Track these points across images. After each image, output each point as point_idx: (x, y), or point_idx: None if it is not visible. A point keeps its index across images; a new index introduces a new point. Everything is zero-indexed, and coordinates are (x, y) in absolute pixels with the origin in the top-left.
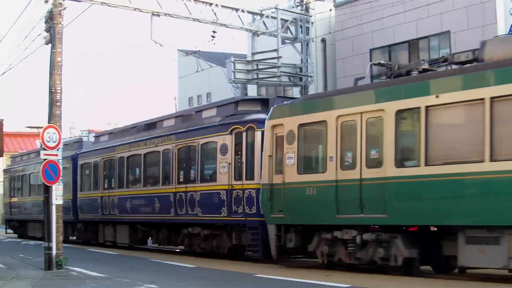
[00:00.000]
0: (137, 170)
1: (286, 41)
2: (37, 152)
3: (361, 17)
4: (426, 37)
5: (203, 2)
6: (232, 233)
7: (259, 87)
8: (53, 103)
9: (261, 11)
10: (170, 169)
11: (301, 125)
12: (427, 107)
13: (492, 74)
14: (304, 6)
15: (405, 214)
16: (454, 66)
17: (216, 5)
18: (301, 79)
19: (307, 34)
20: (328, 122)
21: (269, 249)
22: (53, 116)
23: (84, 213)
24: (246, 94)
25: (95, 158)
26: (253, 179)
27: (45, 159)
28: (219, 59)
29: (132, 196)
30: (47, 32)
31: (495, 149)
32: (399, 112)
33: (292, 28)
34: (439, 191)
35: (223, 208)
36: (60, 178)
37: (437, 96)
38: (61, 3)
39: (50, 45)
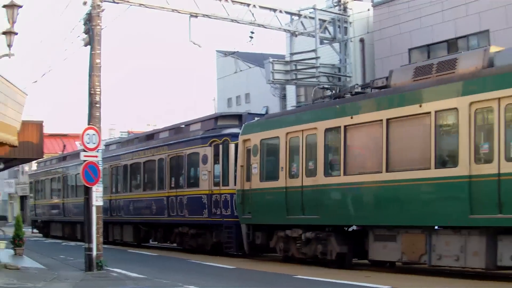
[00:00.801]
0: (138, 176)
1: (325, 41)
2: (59, 159)
3: (399, 17)
4: (465, 36)
5: (241, 3)
6: (213, 232)
7: (298, 87)
8: (93, 104)
9: (299, 11)
10: (164, 176)
11: (262, 140)
12: (345, 126)
13: (386, 100)
14: (342, 6)
15: (330, 215)
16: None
17: (254, 5)
18: (339, 79)
19: (345, 34)
20: (280, 138)
21: (242, 245)
22: (93, 118)
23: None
24: (284, 94)
25: (104, 165)
26: (228, 185)
27: (85, 161)
28: (257, 60)
29: (135, 199)
30: (86, 34)
31: (390, 162)
32: (327, 130)
33: (330, 28)
34: (352, 196)
35: (204, 210)
36: (100, 179)
37: (351, 117)
38: (99, 5)
39: (89, 47)
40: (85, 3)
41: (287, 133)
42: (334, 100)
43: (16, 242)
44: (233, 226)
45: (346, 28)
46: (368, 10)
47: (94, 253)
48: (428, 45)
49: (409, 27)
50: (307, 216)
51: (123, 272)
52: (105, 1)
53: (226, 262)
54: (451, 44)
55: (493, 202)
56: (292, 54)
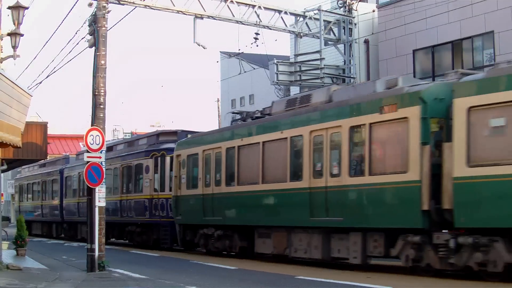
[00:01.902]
0: None
1: (329, 42)
2: (40, 165)
3: (404, 18)
4: (469, 37)
5: (246, 4)
6: (153, 230)
7: (302, 88)
8: (97, 105)
9: (304, 12)
10: (118, 182)
11: (188, 155)
12: (238, 146)
13: (262, 127)
14: (347, 7)
15: (229, 218)
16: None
17: (259, 7)
18: (344, 81)
19: (350, 35)
20: (199, 154)
21: (176, 241)
22: (97, 119)
23: (68, 215)
24: (288, 95)
25: (75, 172)
26: (165, 191)
27: (88, 162)
28: (262, 61)
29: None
30: (91, 35)
31: (264, 176)
32: (227, 149)
33: (335, 30)
34: (242, 202)
35: (146, 212)
36: (104, 180)
37: (242, 139)
38: (105, 6)
39: (94, 48)
40: (90, 5)
41: (203, 150)
42: (237, 124)
43: (19, 242)
44: (168, 225)
45: (350, 29)
46: (373, 11)
47: (96, 253)
48: (433, 46)
49: (414, 28)
50: (216, 217)
51: (125, 272)
52: (110, 2)
53: (228, 263)
54: (456, 45)
55: (322, 208)
56: (296, 55)
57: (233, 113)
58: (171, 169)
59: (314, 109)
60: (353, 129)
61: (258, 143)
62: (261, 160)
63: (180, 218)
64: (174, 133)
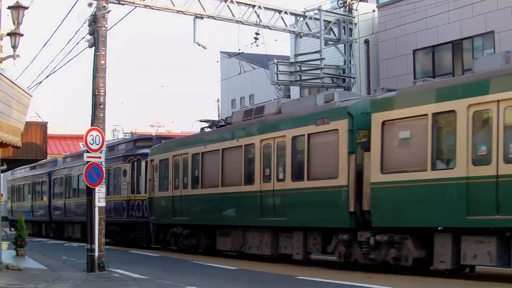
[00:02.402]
0: (81, 185)
1: (329, 42)
2: (30, 168)
3: (404, 18)
4: (470, 37)
5: (246, 4)
6: (131, 229)
7: (302, 88)
8: (97, 105)
9: (304, 12)
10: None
11: (160, 160)
12: (202, 152)
13: (222, 135)
14: (347, 7)
15: (195, 218)
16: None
17: (259, 7)
18: (344, 81)
19: (350, 35)
20: (169, 159)
21: (151, 240)
22: (97, 119)
23: (56, 216)
24: (289, 96)
25: (61, 174)
26: (140, 193)
27: (88, 162)
28: (262, 61)
29: (81, 203)
30: (90, 35)
31: (224, 180)
32: (193, 155)
33: (335, 29)
34: (205, 204)
35: (124, 212)
36: (103, 180)
37: (205, 147)
38: (104, 6)
39: (93, 48)
40: (90, 5)
41: (173, 156)
42: (203, 131)
43: (18, 242)
44: (144, 225)
45: (351, 29)
46: (373, 11)
47: (96, 253)
48: (433, 46)
49: (414, 28)
50: (183, 217)
51: (125, 273)
52: (110, 2)
53: (228, 263)
54: (456, 45)
55: (271, 209)
56: (296, 55)
57: (201, 121)
58: (146, 173)
59: (265, 120)
60: (295, 138)
61: (218, 150)
62: (221, 166)
63: (154, 218)
64: (149, 139)
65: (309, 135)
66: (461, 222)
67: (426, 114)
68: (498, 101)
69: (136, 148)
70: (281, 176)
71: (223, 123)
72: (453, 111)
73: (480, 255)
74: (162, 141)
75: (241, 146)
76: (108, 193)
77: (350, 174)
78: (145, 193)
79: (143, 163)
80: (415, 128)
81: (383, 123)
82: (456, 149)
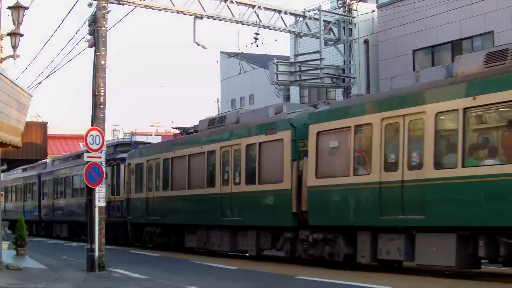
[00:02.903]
0: (69, 186)
1: (329, 42)
2: (22, 169)
3: (403, 18)
4: (469, 37)
5: (246, 4)
6: (111, 228)
7: (302, 88)
8: (97, 105)
9: (304, 12)
10: (78, 187)
11: (136, 164)
12: (171, 158)
13: (189, 142)
14: (346, 8)
15: (167, 217)
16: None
17: (259, 7)
18: (343, 81)
19: (350, 35)
20: (143, 163)
21: (129, 238)
22: (97, 119)
23: (45, 215)
24: (288, 96)
25: (50, 176)
26: (119, 195)
27: (88, 162)
28: (262, 61)
29: (67, 204)
30: (91, 35)
31: (190, 183)
32: (164, 160)
33: (335, 30)
34: (174, 205)
35: (106, 212)
36: (103, 180)
37: (174, 152)
38: (105, 7)
39: (93, 48)
40: (90, 5)
41: (147, 160)
42: (174, 138)
43: (19, 242)
44: (122, 224)
45: (350, 29)
46: (373, 11)
47: (96, 253)
48: (432, 46)
49: (413, 28)
50: (156, 217)
51: (125, 273)
52: (110, 2)
53: (228, 263)
54: (456, 45)
55: (229, 209)
56: (296, 55)
57: (173, 128)
58: (125, 176)
59: (225, 129)
60: (249, 147)
61: (186, 155)
62: (187, 170)
63: (131, 218)
64: (128, 144)
65: (260, 143)
66: (375, 221)
67: (350, 126)
68: (403, 115)
69: (116, 153)
70: (237, 180)
71: (192, 131)
72: (370, 123)
73: (392, 251)
74: (139, 146)
75: (205, 152)
76: (89, 194)
77: (293, 178)
78: (124, 194)
79: (122, 167)
80: (341, 138)
81: (318, 133)
82: (372, 157)
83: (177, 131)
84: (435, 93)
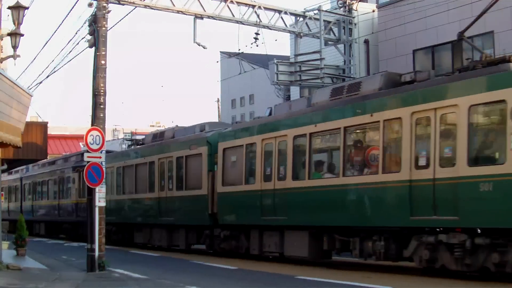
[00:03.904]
0: (45, 189)
1: (329, 42)
2: (7, 173)
3: (404, 18)
4: (469, 37)
5: (246, 4)
6: (79, 227)
7: (302, 88)
8: (97, 105)
9: (304, 12)
10: (56, 190)
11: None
12: (123, 166)
13: (135, 153)
14: (347, 7)
15: (120, 217)
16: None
17: (259, 7)
18: (344, 81)
19: (350, 35)
20: (113, 169)
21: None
22: (97, 119)
23: (26, 215)
24: (289, 96)
25: (30, 180)
26: (85, 197)
27: (88, 162)
28: (262, 61)
29: (44, 205)
30: (91, 35)
31: (136, 187)
32: (117, 168)
33: (335, 30)
34: (129, 206)
35: (74, 213)
36: (104, 180)
37: (125, 162)
38: (105, 6)
39: (94, 48)
40: (90, 5)
41: (117, 167)
42: (127, 149)
43: (19, 242)
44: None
45: (350, 29)
46: (373, 11)
47: (96, 253)
48: (433, 46)
49: (413, 28)
50: (112, 217)
51: (125, 272)
52: (110, 2)
53: (228, 263)
54: (456, 45)
55: (164, 211)
56: (296, 55)
57: (125, 139)
58: None
59: (161, 143)
60: (178, 159)
61: (133, 165)
62: (135, 177)
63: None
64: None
65: (186, 156)
66: (259, 220)
67: (242, 145)
68: (275, 137)
69: (83, 160)
70: (170, 187)
71: (141, 143)
72: (254, 143)
73: (271, 245)
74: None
75: (147, 162)
76: (63, 197)
77: (209, 186)
78: None
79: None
80: (238, 154)
81: (224, 149)
82: (256, 170)
83: (130, 143)
84: (294, 121)
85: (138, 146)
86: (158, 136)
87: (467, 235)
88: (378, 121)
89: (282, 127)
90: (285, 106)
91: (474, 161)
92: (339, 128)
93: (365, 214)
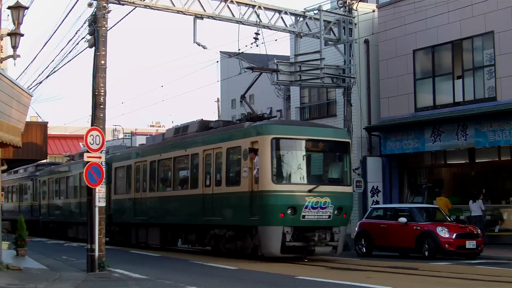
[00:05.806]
0: (24, 193)
1: (329, 42)
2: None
3: (404, 18)
4: (469, 37)
5: (246, 4)
6: (33, 225)
7: (302, 88)
8: (97, 105)
9: (304, 12)
10: (18, 195)
11: (43, 180)
12: (59, 178)
13: (69, 167)
14: (347, 7)
15: (59, 216)
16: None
17: (259, 7)
18: (344, 81)
19: (350, 35)
20: (46, 180)
21: (46, 231)
22: (97, 119)
23: (9, 215)
24: (288, 96)
25: (12, 183)
26: (37, 201)
27: (88, 162)
28: (262, 61)
29: (15, 206)
30: (91, 35)
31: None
32: (56, 179)
33: (335, 30)
34: (64, 208)
35: (29, 213)
36: (103, 180)
37: (60, 173)
38: (105, 6)
39: (93, 48)
40: (90, 5)
41: (48, 178)
42: (67, 162)
43: (19, 242)
44: (40, 222)
45: (351, 29)
46: (373, 11)
47: (97, 253)
48: (433, 46)
49: (414, 28)
50: (53, 217)
51: (126, 273)
52: (110, 2)
53: (228, 263)
54: (456, 45)
55: (83, 211)
56: (296, 55)
57: (65, 155)
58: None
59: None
60: (119, 169)
61: (69, 176)
62: (66, 185)
63: (41, 218)
64: (44, 164)
65: (116, 168)
66: (134, 219)
67: (124, 166)
68: (143, 161)
69: (36, 171)
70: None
71: (78, 157)
72: (131, 165)
73: (142, 237)
74: (52, 166)
75: (76, 174)
76: (22, 200)
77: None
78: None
79: (39, 181)
80: (123, 172)
81: (116, 168)
82: (131, 183)
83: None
84: (150, 151)
85: (72, 161)
86: (79, 156)
87: (226, 229)
88: (188, 154)
89: (144, 155)
90: (150, 139)
91: (229, 182)
92: (171, 158)
93: (184, 215)
